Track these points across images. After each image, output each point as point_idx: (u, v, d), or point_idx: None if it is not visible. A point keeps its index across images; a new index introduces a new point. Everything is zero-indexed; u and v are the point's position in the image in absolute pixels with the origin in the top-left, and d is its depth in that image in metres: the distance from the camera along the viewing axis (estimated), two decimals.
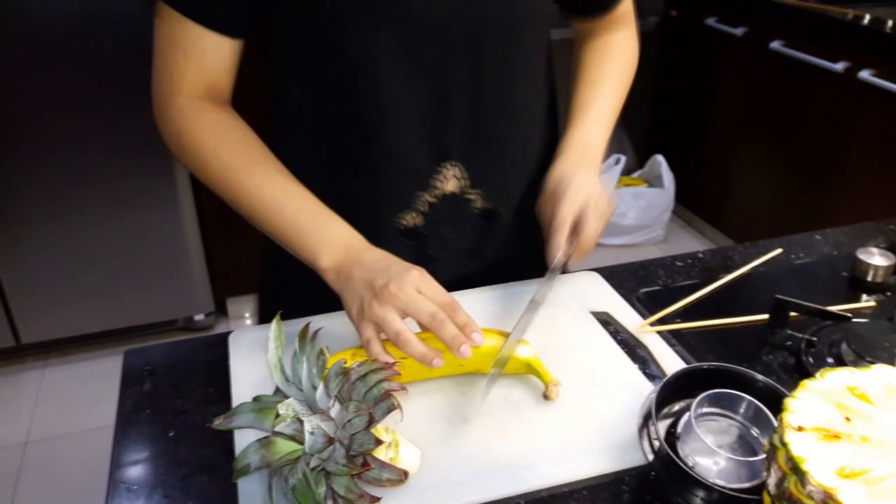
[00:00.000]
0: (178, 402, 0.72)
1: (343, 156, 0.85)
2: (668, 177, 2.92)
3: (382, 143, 0.83)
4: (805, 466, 0.49)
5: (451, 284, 0.81)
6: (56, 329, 2.26)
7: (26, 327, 2.21)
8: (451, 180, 0.86)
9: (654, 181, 3.00)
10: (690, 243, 2.99)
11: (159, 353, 0.80)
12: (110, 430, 0.70)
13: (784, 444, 0.52)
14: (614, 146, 3.12)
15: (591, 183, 0.82)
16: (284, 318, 0.74)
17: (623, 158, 2.96)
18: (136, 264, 2.22)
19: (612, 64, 0.95)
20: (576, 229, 0.80)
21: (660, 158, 2.97)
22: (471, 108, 0.83)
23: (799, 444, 0.51)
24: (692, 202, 3.04)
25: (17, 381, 2.28)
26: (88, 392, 2.21)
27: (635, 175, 3.10)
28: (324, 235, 0.75)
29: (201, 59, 0.79)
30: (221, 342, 0.80)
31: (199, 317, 2.41)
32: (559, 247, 0.79)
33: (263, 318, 1.00)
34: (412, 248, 0.88)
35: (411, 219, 0.87)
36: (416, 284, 0.69)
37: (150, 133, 2.15)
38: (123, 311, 2.29)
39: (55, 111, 1.97)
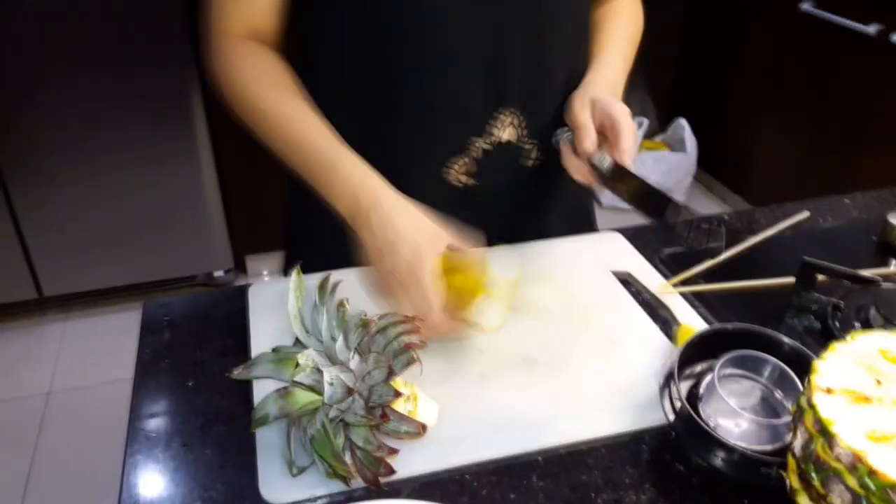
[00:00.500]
0: (196, 353, 0.72)
1: (391, 97, 0.83)
2: (690, 141, 2.87)
3: (437, 82, 0.81)
4: (833, 429, 0.48)
5: (498, 237, 0.81)
6: (77, 282, 2.28)
7: (48, 280, 2.24)
8: (508, 128, 0.84)
9: (677, 145, 2.95)
10: (711, 208, 2.96)
11: (178, 305, 0.80)
12: (129, 381, 0.70)
13: (812, 406, 0.51)
14: (637, 108, 3.06)
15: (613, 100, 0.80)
16: (310, 271, 0.74)
17: (645, 122, 2.92)
18: (156, 220, 2.23)
19: (621, 23, 0.94)
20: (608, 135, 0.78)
21: (683, 122, 2.92)
22: (529, 54, 0.81)
23: (827, 406, 0.50)
24: (714, 167, 2.99)
25: (40, 333, 2.31)
26: (109, 345, 2.24)
27: (658, 139, 3.06)
28: (338, 175, 0.74)
29: (246, 3, 0.81)
30: (240, 295, 0.80)
31: (219, 273, 2.42)
32: (622, 153, 0.77)
33: (288, 270, 1.00)
34: (459, 197, 0.87)
35: (462, 166, 0.85)
36: (415, 275, 0.66)
37: (169, 88, 2.15)
38: (144, 265, 2.30)
39: (75, 66, 1.96)
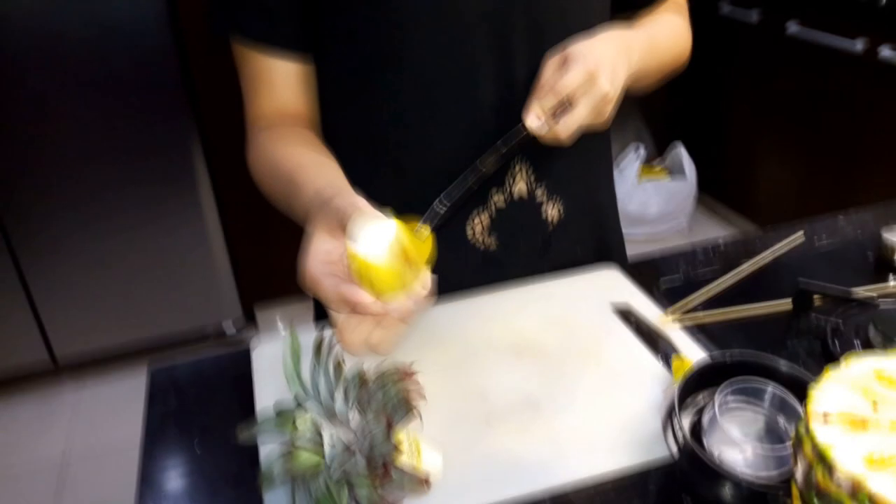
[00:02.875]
0: (203, 417, 0.73)
1: (408, 165, 0.85)
2: (689, 166, 2.89)
3: (459, 143, 0.83)
4: (832, 455, 0.48)
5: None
6: (90, 346, 2.30)
7: (61, 347, 2.26)
8: (519, 183, 0.87)
9: (676, 171, 2.97)
10: (715, 231, 2.96)
11: (184, 368, 0.81)
12: None
13: (810, 434, 0.51)
14: (633, 135, 3.09)
15: (606, 57, 0.74)
16: None
17: (642, 148, 2.94)
18: (165, 278, 2.26)
19: (663, 24, 0.93)
20: (565, 108, 0.75)
21: (680, 147, 2.95)
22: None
23: (825, 433, 0.50)
24: (715, 190, 3.01)
25: (54, 400, 2.32)
26: (124, 408, 2.25)
27: (656, 164, 3.08)
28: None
29: (269, 88, 0.83)
30: (244, 355, 0.80)
31: (229, 325, 2.43)
32: (532, 110, 0.75)
33: (319, 315, 1.01)
34: (480, 254, 0.89)
35: (481, 221, 0.87)
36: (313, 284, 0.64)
37: (172, 145, 2.19)
38: (155, 325, 2.32)
39: (78, 131, 2.01)
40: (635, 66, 0.80)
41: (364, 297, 0.60)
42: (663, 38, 0.90)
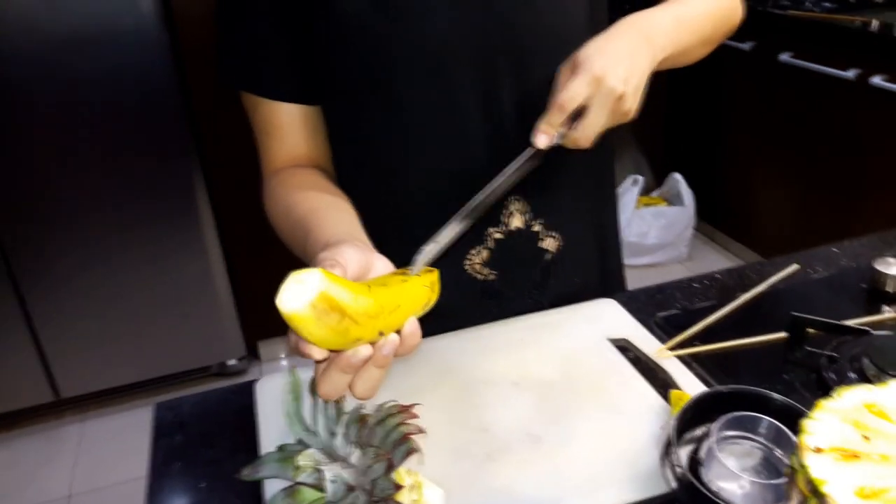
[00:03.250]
0: (208, 452, 0.74)
1: (399, 192, 0.87)
2: (687, 194, 2.91)
3: (452, 183, 0.84)
4: (825, 489, 0.49)
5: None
6: (93, 382, 2.31)
7: (65, 382, 2.26)
8: (515, 215, 0.88)
9: (674, 199, 2.99)
10: (715, 258, 2.98)
11: (189, 405, 0.82)
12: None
13: (803, 467, 0.52)
14: (631, 167, 3.12)
15: (616, 55, 0.72)
16: None
17: (641, 179, 2.97)
18: (168, 314, 2.27)
19: None
20: (578, 115, 0.74)
21: (677, 176, 2.97)
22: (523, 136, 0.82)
23: (818, 466, 0.51)
24: (713, 217, 3.03)
25: (58, 436, 2.32)
26: (127, 443, 2.25)
27: (654, 194, 3.10)
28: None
29: (278, 133, 0.85)
30: (248, 390, 0.81)
31: (232, 362, 2.44)
32: (543, 129, 0.73)
33: None
34: (479, 285, 0.90)
35: (480, 255, 0.89)
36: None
37: (175, 184, 2.21)
38: (158, 360, 2.33)
39: (85, 167, 2.04)
40: (661, 50, 0.78)
41: (309, 349, 0.55)
42: (696, 7, 0.85)
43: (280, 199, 0.83)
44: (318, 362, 0.58)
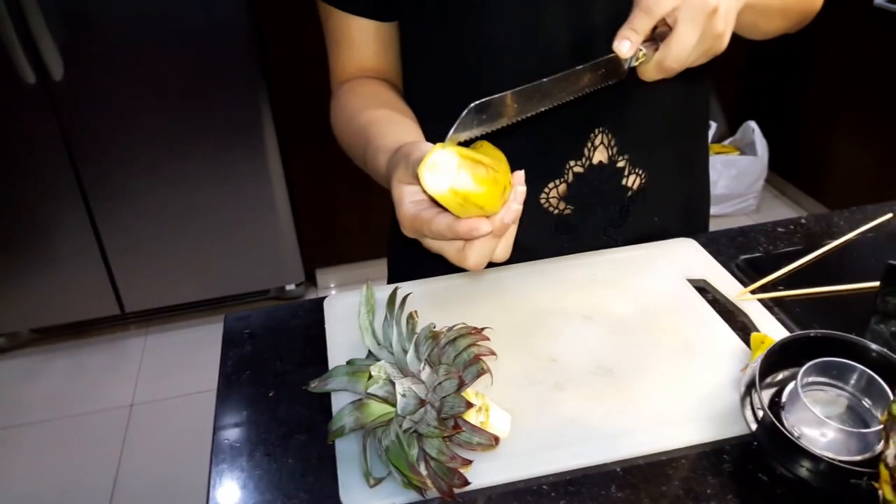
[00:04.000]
0: (276, 364, 0.75)
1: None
2: (760, 144, 2.80)
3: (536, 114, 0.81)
4: None
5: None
6: (156, 298, 2.38)
7: (129, 297, 2.33)
8: (599, 148, 0.84)
9: (747, 148, 2.88)
10: (784, 213, 2.87)
11: (258, 317, 0.82)
12: (207, 393, 0.73)
13: None
14: None
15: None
16: (414, 278, 0.76)
17: (713, 125, 2.86)
18: (231, 237, 2.31)
19: None
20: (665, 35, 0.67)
21: (752, 125, 2.85)
22: None
23: None
24: (786, 170, 2.91)
25: (122, 347, 2.41)
26: (187, 358, 2.32)
27: (726, 143, 2.99)
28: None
29: (350, 45, 0.84)
30: (317, 308, 0.81)
31: (290, 287, 2.48)
32: (625, 34, 0.66)
33: (391, 278, 1.02)
34: (553, 219, 0.88)
35: (556, 189, 0.86)
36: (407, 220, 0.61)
37: (242, 110, 2.23)
38: (219, 281, 2.38)
39: (153, 94, 2.06)
40: None
41: (481, 223, 0.56)
42: None
43: (345, 106, 0.82)
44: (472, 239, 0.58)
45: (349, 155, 0.83)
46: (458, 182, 0.54)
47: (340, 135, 0.84)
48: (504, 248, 0.61)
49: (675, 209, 0.94)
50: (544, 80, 0.65)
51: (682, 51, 0.66)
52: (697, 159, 0.96)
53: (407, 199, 0.61)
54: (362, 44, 0.84)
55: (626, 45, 0.66)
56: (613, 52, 0.68)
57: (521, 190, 0.58)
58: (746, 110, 3.00)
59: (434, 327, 0.65)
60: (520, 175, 0.59)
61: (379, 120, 0.77)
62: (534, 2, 0.77)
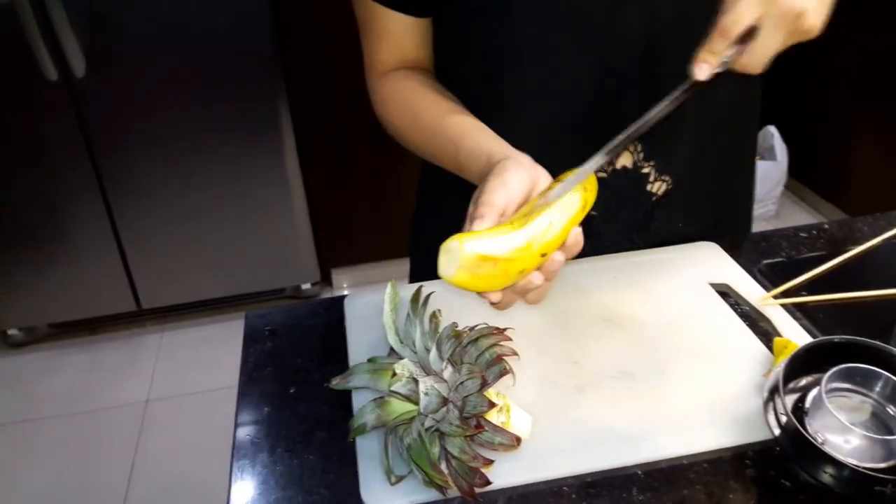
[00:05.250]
0: (297, 361, 0.75)
1: (511, 135, 0.80)
2: (780, 148, 2.78)
3: (560, 118, 0.81)
4: None
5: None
6: (173, 295, 2.39)
7: (146, 293, 2.35)
8: (623, 153, 0.84)
9: (766, 153, 2.86)
10: (803, 219, 2.85)
11: (279, 314, 0.82)
12: (224, 391, 0.73)
13: None
14: None
15: None
16: (434, 277, 0.75)
17: None
18: (247, 236, 2.31)
19: None
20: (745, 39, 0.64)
21: (772, 129, 2.83)
22: (643, 87, 0.78)
23: None
24: (806, 175, 2.89)
25: (139, 343, 2.42)
26: (203, 355, 2.33)
27: None
28: (480, 152, 0.71)
29: (390, 38, 0.84)
30: (337, 306, 0.82)
31: (306, 286, 2.49)
32: (704, 58, 0.64)
33: (413, 278, 1.03)
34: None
35: None
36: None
37: (260, 110, 2.23)
38: (235, 279, 2.39)
39: (173, 91, 2.06)
40: None
41: (485, 296, 0.61)
42: None
43: (403, 98, 0.83)
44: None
45: (407, 144, 0.84)
46: (459, 277, 0.57)
47: (401, 131, 0.84)
48: (535, 297, 0.64)
49: (706, 215, 0.92)
50: (630, 131, 0.66)
51: (765, 55, 0.64)
52: (738, 163, 0.94)
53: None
54: (403, 37, 0.85)
55: (704, 69, 0.65)
56: (689, 75, 0.65)
57: (556, 258, 0.61)
58: (766, 115, 2.97)
59: (457, 326, 0.65)
60: (572, 237, 0.62)
61: (456, 125, 0.76)
62: (570, 8, 0.76)
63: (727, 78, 0.69)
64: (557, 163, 0.77)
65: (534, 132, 0.80)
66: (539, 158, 0.70)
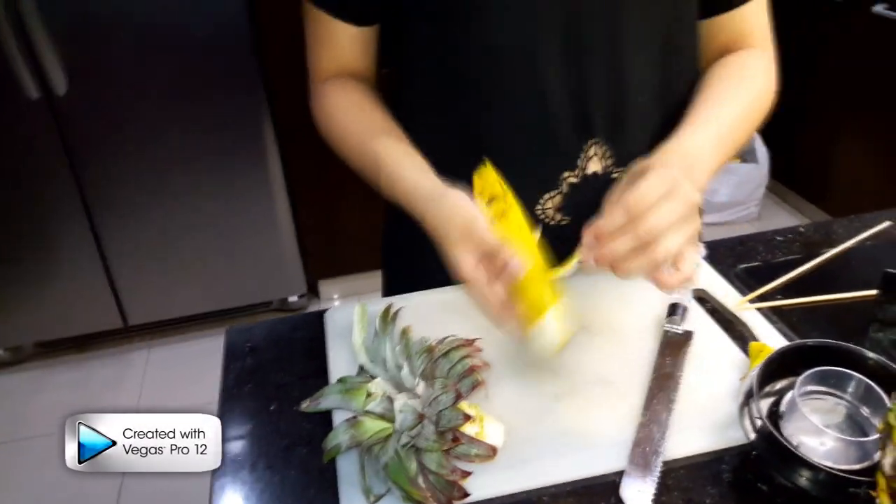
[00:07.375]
0: (278, 377, 0.75)
1: (478, 131, 0.84)
2: (761, 151, 2.80)
3: (529, 124, 0.82)
4: None
5: None
6: (160, 311, 2.38)
7: (132, 309, 2.34)
8: (593, 160, 0.84)
9: (747, 155, 2.88)
10: (786, 220, 2.87)
11: (259, 330, 0.83)
12: (212, 406, 0.73)
13: None
14: None
15: (673, 177, 0.65)
16: (409, 290, 0.79)
17: None
18: (233, 249, 2.31)
19: (731, 83, 0.85)
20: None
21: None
22: (609, 80, 0.80)
23: None
24: (788, 177, 2.91)
25: (126, 360, 2.41)
26: (191, 370, 2.32)
27: None
28: (421, 197, 0.73)
29: (333, 47, 0.86)
30: (318, 320, 0.82)
31: (293, 298, 2.48)
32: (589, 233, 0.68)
33: (387, 291, 1.03)
34: (551, 230, 0.87)
35: (552, 201, 0.86)
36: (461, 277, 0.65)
37: (242, 121, 2.22)
38: (222, 293, 2.38)
39: (153, 104, 2.06)
40: (700, 183, 0.73)
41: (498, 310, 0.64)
42: (734, 120, 0.82)
43: (338, 111, 0.85)
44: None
45: (342, 157, 0.86)
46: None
47: (333, 140, 0.86)
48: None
49: None
50: None
51: (668, 248, 0.65)
52: None
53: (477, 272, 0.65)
54: (345, 46, 0.86)
55: (587, 252, 0.69)
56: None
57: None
58: None
59: (427, 341, 0.65)
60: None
61: (386, 151, 0.79)
62: (532, 16, 0.77)
63: (683, 64, 0.74)
64: (541, 151, 0.78)
65: (522, 122, 0.81)
66: (528, 148, 0.75)
